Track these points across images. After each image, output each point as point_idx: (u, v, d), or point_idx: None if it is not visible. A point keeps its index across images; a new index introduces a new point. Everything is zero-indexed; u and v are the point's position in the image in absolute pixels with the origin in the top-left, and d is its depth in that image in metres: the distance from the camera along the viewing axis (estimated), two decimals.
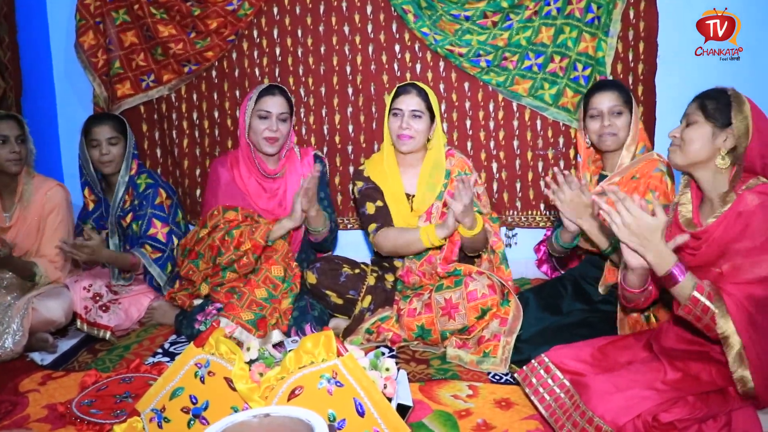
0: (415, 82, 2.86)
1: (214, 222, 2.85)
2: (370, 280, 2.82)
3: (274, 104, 2.85)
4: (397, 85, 2.84)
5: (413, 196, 2.83)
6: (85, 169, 3.03)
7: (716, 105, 1.92)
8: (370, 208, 2.86)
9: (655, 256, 1.80)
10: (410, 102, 2.74)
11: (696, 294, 1.78)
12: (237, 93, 3.49)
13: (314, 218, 2.82)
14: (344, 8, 3.39)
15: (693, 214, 2.00)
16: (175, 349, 2.77)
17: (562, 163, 3.40)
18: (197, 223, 3.50)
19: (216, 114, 3.55)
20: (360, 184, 2.90)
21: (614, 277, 2.54)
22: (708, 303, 1.78)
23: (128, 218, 3.04)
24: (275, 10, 3.42)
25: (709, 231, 1.90)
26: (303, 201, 2.73)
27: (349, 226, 3.57)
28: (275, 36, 3.45)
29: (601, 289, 2.59)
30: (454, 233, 2.66)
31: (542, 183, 3.36)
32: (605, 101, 2.57)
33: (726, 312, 1.77)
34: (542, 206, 3.47)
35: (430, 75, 3.39)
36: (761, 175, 1.90)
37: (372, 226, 2.84)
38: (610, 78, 3.19)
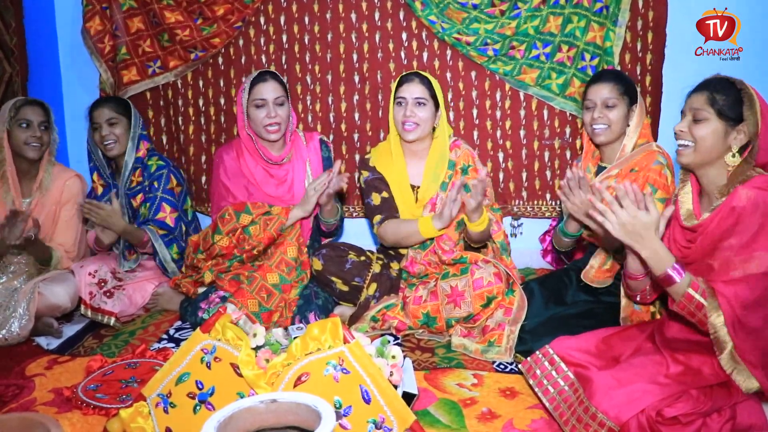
0: (419, 71, 2.85)
1: (230, 228, 2.82)
2: (376, 268, 2.82)
3: (268, 90, 2.83)
4: (400, 75, 2.84)
5: (418, 187, 2.83)
6: (93, 154, 3.04)
7: (726, 100, 1.88)
8: (375, 198, 2.86)
9: (651, 254, 1.80)
10: (413, 90, 2.73)
11: (690, 291, 1.79)
12: (243, 80, 3.48)
13: (329, 211, 2.85)
14: None
15: (693, 207, 1.99)
16: (180, 335, 2.78)
17: (568, 153, 3.39)
18: (204, 210, 3.52)
19: (222, 101, 3.55)
20: (366, 173, 2.90)
21: (602, 275, 2.53)
22: (702, 300, 1.79)
23: (138, 198, 3.04)
24: None
25: (704, 225, 1.89)
26: (323, 197, 2.75)
27: (354, 214, 3.57)
28: (282, 23, 3.43)
29: (584, 276, 2.56)
30: (450, 224, 2.69)
31: (548, 173, 3.40)
32: (598, 93, 2.56)
33: (718, 308, 1.78)
34: (548, 196, 3.46)
35: (437, 63, 3.37)
36: (761, 168, 1.88)
37: (377, 218, 2.85)
38: (615, 68, 3.16)
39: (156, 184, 3.02)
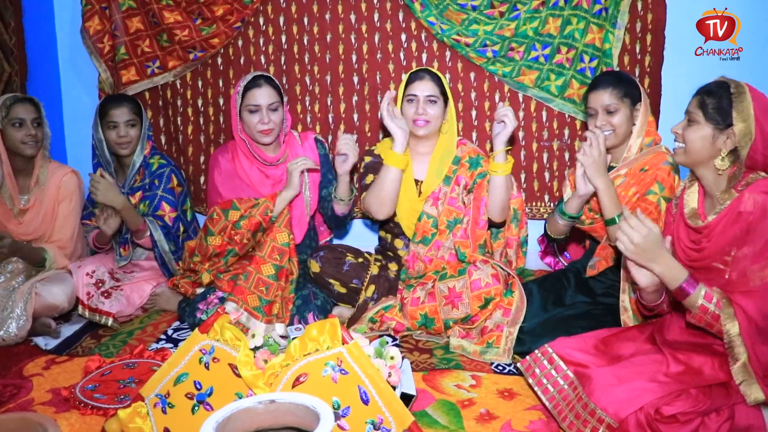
0: (428, 68, 2.84)
1: (219, 227, 2.81)
2: (374, 270, 2.82)
3: (262, 96, 2.81)
4: (410, 71, 2.82)
5: (421, 181, 2.83)
6: (99, 150, 3.03)
7: (717, 104, 1.88)
8: (369, 179, 2.86)
9: (664, 269, 1.83)
10: (425, 88, 2.72)
11: (704, 302, 1.80)
12: (238, 82, 3.48)
13: (346, 183, 2.82)
14: None
15: (698, 206, 2.00)
16: (178, 335, 2.78)
17: (567, 155, 3.39)
18: (203, 211, 3.51)
19: (221, 101, 3.54)
20: (368, 159, 2.90)
21: (605, 265, 2.55)
22: (716, 311, 1.80)
23: (137, 196, 3.04)
24: None
25: (710, 227, 1.90)
26: (342, 166, 2.73)
27: (359, 214, 3.57)
28: (281, 23, 3.43)
29: (589, 270, 2.59)
30: (478, 192, 2.70)
31: (547, 175, 3.40)
32: (598, 100, 2.53)
33: (734, 317, 1.79)
34: (546, 198, 3.46)
35: (436, 65, 3.37)
36: (762, 171, 1.88)
37: (364, 195, 2.85)
38: (614, 70, 3.15)
39: (157, 182, 3.03)
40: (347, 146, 2.72)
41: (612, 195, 2.40)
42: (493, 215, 2.72)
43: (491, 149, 2.64)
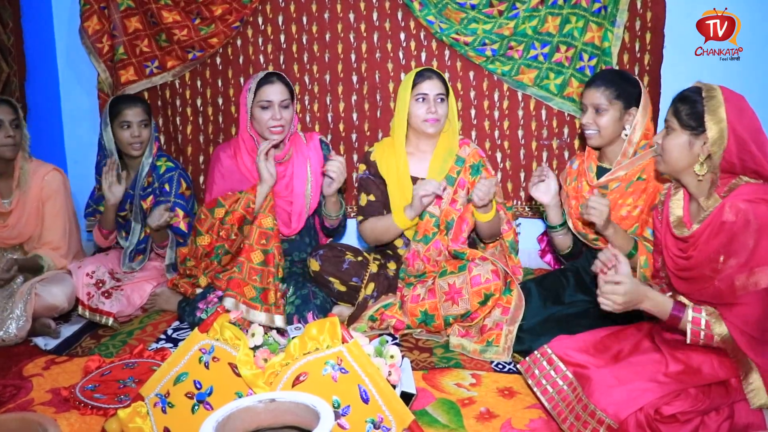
0: (430, 68, 2.85)
1: (207, 226, 2.82)
2: (373, 268, 2.82)
3: (275, 92, 2.82)
4: (414, 72, 2.81)
5: (422, 179, 2.82)
6: (107, 150, 3.01)
7: (690, 110, 1.87)
8: (362, 199, 2.88)
9: (652, 305, 1.92)
10: (434, 86, 2.73)
11: (693, 328, 1.87)
12: (241, 80, 3.49)
13: (333, 203, 2.86)
14: None
15: (684, 214, 2.00)
16: (178, 335, 2.78)
17: (566, 153, 3.39)
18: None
19: (220, 101, 3.55)
20: (362, 168, 2.91)
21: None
22: (707, 331, 1.86)
23: (148, 201, 3.03)
24: None
25: (695, 236, 1.91)
26: (327, 189, 2.78)
27: (352, 214, 3.57)
28: (280, 23, 3.43)
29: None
30: (463, 212, 2.74)
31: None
32: (590, 97, 2.49)
33: (729, 335, 1.83)
34: None
35: (435, 64, 3.37)
36: (742, 175, 1.87)
37: (359, 218, 2.89)
38: (614, 68, 3.14)
39: (167, 188, 3.02)
40: (334, 172, 2.73)
41: (622, 237, 2.42)
42: (483, 238, 2.85)
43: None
